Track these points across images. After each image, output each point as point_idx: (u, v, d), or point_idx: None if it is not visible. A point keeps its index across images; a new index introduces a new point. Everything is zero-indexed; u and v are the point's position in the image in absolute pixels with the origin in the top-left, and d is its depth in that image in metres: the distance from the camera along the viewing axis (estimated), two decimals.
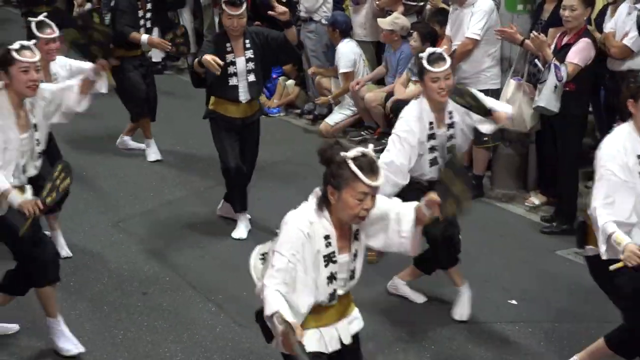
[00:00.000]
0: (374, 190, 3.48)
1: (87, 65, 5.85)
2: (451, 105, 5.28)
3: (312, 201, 3.61)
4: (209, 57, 6.08)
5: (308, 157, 7.53)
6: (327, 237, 3.54)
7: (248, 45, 6.47)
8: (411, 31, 8.26)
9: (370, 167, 3.45)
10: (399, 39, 8.66)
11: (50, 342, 5.02)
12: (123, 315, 5.47)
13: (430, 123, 5.23)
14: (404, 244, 3.73)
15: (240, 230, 6.69)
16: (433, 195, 3.71)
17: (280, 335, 3.29)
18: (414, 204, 3.76)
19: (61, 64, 6.30)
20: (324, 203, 3.55)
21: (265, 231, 6.62)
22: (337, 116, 9.39)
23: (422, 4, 8.92)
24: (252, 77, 6.51)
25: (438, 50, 5.30)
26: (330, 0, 9.64)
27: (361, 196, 3.44)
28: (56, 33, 6.07)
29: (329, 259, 3.56)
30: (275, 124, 9.63)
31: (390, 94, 8.60)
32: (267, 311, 3.36)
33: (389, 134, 8.56)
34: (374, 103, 8.79)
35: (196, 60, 6.28)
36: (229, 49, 6.44)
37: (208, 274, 6.13)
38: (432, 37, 7.94)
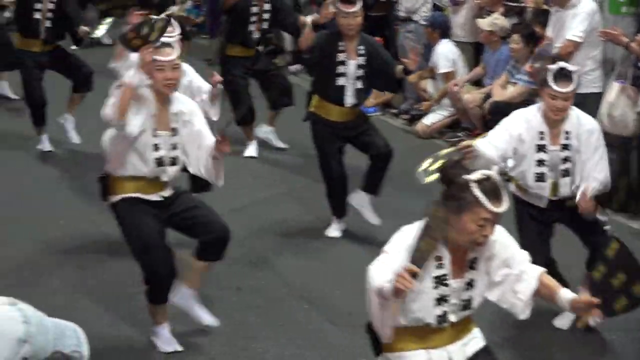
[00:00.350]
0: (496, 217, 3.31)
1: (207, 85, 5.92)
2: (569, 126, 5.04)
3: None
4: (309, 35, 6.28)
5: (404, 158, 7.53)
6: (439, 259, 3.38)
7: (362, 52, 6.28)
8: (511, 32, 8.16)
9: (494, 192, 3.26)
10: (499, 40, 8.57)
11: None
12: (218, 310, 5.53)
13: (541, 133, 5.02)
14: (516, 306, 3.49)
15: (334, 230, 6.69)
16: (586, 297, 3.31)
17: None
18: (540, 271, 3.50)
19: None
20: None
21: (360, 229, 6.64)
22: (434, 116, 9.34)
23: (522, 4, 8.79)
24: (359, 84, 6.33)
25: (569, 67, 5.02)
26: (430, 1, 9.60)
27: (482, 222, 3.27)
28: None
29: (440, 281, 3.39)
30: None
31: (488, 95, 8.51)
32: (377, 282, 3.25)
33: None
34: (472, 104, 8.71)
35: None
36: (341, 48, 6.28)
37: (301, 271, 6.16)
38: (533, 39, 7.83)
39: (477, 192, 3.24)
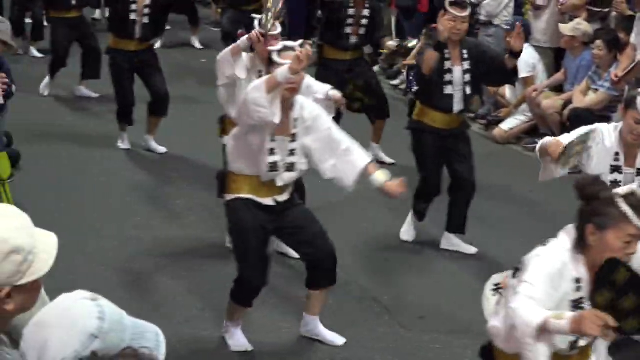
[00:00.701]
0: None
1: (321, 86, 5.85)
2: None
3: (563, 239, 3.30)
4: (431, 55, 5.94)
5: (480, 164, 7.47)
6: (577, 281, 3.22)
7: (466, 56, 6.14)
8: (594, 38, 8.02)
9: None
10: (581, 46, 8.43)
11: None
12: (289, 309, 5.56)
13: (616, 154, 4.81)
14: None
15: (407, 233, 6.61)
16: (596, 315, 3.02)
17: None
18: None
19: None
20: (580, 243, 3.24)
21: (430, 233, 6.59)
22: (512, 122, 9.23)
23: (607, 10, 8.63)
24: (468, 90, 6.20)
25: None
26: (512, 5, 9.50)
27: (628, 239, 3.13)
28: (278, 30, 5.89)
29: (577, 305, 3.22)
30: None
31: (568, 102, 8.37)
32: (531, 323, 3.03)
33: None
34: (551, 110, 8.58)
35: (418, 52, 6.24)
36: (446, 56, 6.11)
37: (376, 274, 6.15)
38: (617, 45, 7.69)
39: (625, 207, 3.11)
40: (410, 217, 6.63)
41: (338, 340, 5.14)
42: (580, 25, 8.42)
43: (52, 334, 1.88)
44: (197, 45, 13.18)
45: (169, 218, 7.01)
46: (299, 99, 4.83)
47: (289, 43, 4.83)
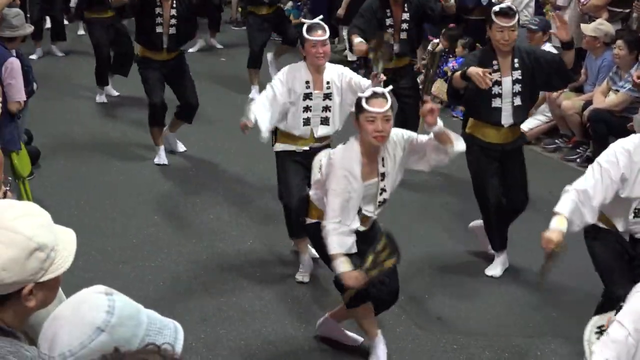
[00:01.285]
0: None
1: (366, 80, 5.80)
2: None
3: None
4: (478, 70, 5.53)
5: None
6: None
7: (517, 65, 5.83)
8: (615, 38, 7.98)
9: None
10: (602, 46, 8.38)
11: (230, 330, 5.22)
12: (306, 310, 5.57)
13: None
14: None
15: (495, 269, 6.16)
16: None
17: None
18: None
19: (338, 72, 5.92)
20: None
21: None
22: (532, 122, 9.17)
23: (627, 11, 8.59)
24: (518, 101, 5.85)
25: None
26: (532, 5, 9.45)
27: None
28: (327, 35, 5.76)
29: None
30: None
31: (588, 103, 8.33)
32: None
33: (584, 143, 8.42)
34: (571, 111, 8.54)
35: (457, 72, 5.76)
36: (495, 67, 5.79)
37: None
38: (638, 46, 7.64)
39: None
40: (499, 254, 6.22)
41: (357, 339, 5.15)
42: (601, 26, 8.38)
43: (62, 327, 1.91)
44: (217, 45, 13.28)
45: (187, 216, 7.04)
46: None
47: (378, 89, 4.69)
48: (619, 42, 7.97)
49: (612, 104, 8.00)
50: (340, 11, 11.90)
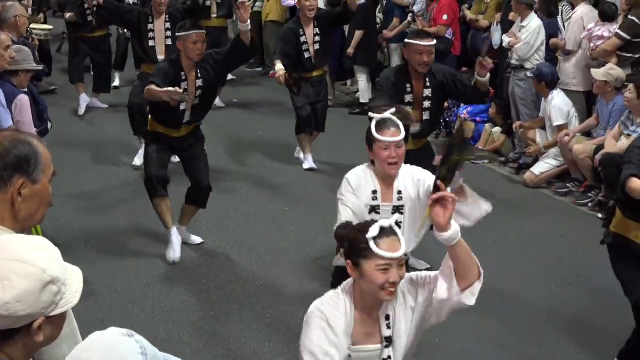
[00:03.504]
0: None
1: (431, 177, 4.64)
2: None
3: None
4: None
5: (510, 207, 7.46)
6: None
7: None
8: (626, 83, 7.99)
9: None
10: (613, 90, 8.40)
11: None
12: None
13: None
14: None
15: None
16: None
17: None
18: None
19: (412, 177, 4.74)
20: None
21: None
22: (543, 166, 9.18)
23: (637, 56, 8.62)
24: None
25: None
26: (543, 49, 9.49)
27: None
28: (402, 135, 4.62)
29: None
30: (478, 171, 9.54)
31: (600, 147, 8.33)
32: None
33: (596, 187, 8.41)
34: (583, 155, 8.54)
35: None
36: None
37: None
38: None
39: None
40: None
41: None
42: (612, 70, 8.39)
43: None
44: (220, 104, 11.90)
45: (197, 257, 7.03)
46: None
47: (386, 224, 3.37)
48: (630, 86, 7.98)
49: (623, 148, 7.97)
50: (350, 50, 11.90)
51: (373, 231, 3.26)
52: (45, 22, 12.62)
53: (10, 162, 2.47)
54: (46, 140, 2.66)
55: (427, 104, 6.56)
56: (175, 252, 6.81)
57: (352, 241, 3.33)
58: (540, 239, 7.47)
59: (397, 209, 4.66)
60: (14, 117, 6.09)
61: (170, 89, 6.31)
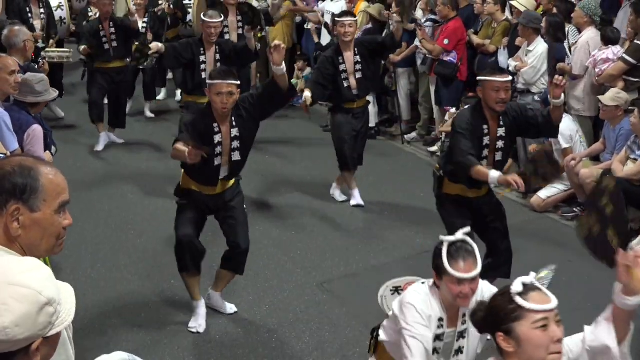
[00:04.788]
0: None
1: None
2: None
3: None
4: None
5: (518, 232, 7.41)
6: None
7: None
8: (632, 107, 7.99)
9: None
10: (622, 115, 8.40)
11: None
12: None
13: None
14: None
15: None
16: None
17: None
18: None
19: (476, 296, 4.14)
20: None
21: None
22: (550, 190, 9.17)
23: None
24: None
25: None
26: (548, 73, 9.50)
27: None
28: (478, 269, 4.08)
29: None
30: None
31: (606, 171, 8.31)
32: None
33: None
34: (589, 179, 8.52)
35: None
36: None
37: None
38: None
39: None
40: None
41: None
42: (619, 95, 8.40)
43: None
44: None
45: (203, 281, 7.02)
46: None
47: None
48: (636, 111, 7.98)
49: (630, 172, 7.98)
50: None
51: (516, 287, 2.96)
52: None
53: (6, 188, 2.45)
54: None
55: (500, 144, 6.08)
56: (200, 324, 6.14)
57: (495, 309, 2.96)
58: (547, 263, 7.41)
59: (461, 334, 4.23)
60: (24, 144, 6.12)
61: (192, 151, 5.52)
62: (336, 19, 8.92)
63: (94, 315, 6.04)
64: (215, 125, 5.87)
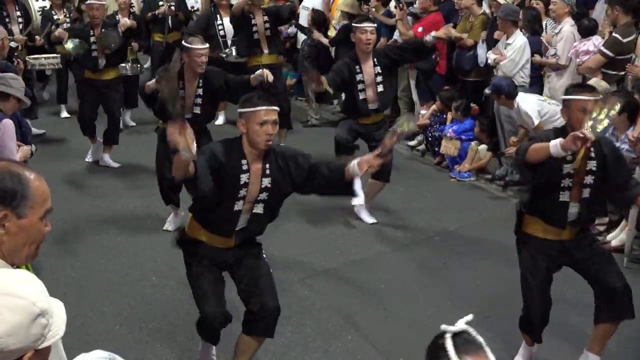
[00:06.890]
0: None
1: None
2: None
3: None
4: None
5: (499, 226, 7.43)
6: None
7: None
8: None
9: None
10: None
11: None
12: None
13: None
14: None
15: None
16: None
17: None
18: None
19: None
20: None
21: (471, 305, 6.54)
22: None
23: (622, 73, 8.65)
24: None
25: None
26: (528, 66, 9.51)
27: None
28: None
29: None
30: (465, 189, 9.57)
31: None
32: None
33: None
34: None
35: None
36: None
37: (391, 336, 6.09)
38: (631, 108, 7.68)
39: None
40: None
41: None
42: (600, 83, 8.38)
43: None
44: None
45: (184, 278, 6.98)
46: None
47: None
48: None
49: None
50: None
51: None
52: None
53: None
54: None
55: (589, 179, 5.06)
56: None
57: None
58: None
59: None
60: None
61: (180, 158, 4.24)
62: (355, 25, 8.07)
63: (73, 314, 5.99)
64: (244, 162, 4.82)
